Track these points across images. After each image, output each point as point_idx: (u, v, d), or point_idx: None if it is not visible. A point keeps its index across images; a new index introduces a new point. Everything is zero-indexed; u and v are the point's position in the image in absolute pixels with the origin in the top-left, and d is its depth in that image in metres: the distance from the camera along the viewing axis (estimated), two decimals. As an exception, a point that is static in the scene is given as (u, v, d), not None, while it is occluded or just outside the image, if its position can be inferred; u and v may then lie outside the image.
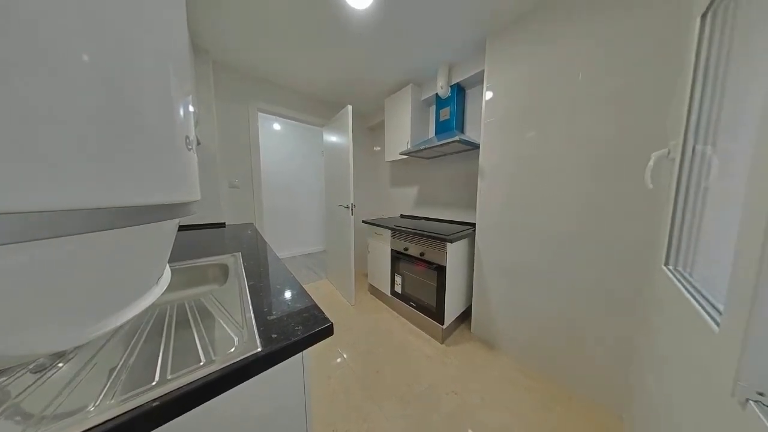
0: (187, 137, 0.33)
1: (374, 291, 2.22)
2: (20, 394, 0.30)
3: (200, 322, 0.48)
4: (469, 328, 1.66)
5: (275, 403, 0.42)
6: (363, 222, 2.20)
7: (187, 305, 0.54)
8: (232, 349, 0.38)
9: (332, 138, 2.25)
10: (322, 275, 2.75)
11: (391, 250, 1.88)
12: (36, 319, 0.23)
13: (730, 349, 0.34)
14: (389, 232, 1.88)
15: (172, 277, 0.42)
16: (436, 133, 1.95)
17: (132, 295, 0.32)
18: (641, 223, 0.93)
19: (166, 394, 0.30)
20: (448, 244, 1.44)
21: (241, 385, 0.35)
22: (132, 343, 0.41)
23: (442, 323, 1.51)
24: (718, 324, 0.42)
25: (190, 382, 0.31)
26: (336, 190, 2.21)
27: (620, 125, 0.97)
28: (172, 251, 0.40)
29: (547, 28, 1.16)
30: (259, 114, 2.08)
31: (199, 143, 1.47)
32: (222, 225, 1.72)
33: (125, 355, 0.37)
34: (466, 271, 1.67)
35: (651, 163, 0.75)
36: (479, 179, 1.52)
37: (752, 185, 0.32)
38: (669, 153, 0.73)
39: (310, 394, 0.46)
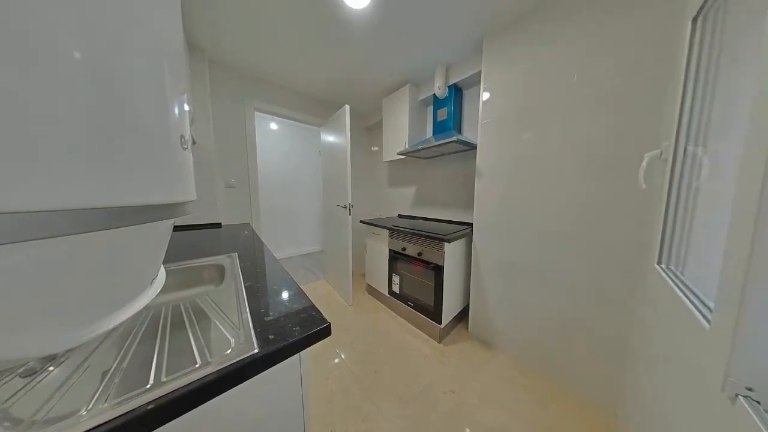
0: (182, 136, 0.32)
1: (372, 291, 2.22)
2: (9, 399, 0.29)
3: (196, 323, 0.47)
4: (467, 328, 1.67)
5: (272, 404, 0.42)
6: (361, 222, 2.20)
7: (182, 307, 0.53)
8: (229, 351, 0.38)
9: (330, 138, 2.24)
10: (320, 275, 2.74)
11: (389, 250, 1.88)
12: (28, 321, 0.22)
13: (720, 346, 0.35)
14: (387, 232, 1.88)
15: (167, 278, 0.42)
16: (433, 134, 1.96)
17: (126, 296, 0.31)
18: (635, 222, 0.95)
19: (160, 396, 0.29)
20: (446, 243, 1.45)
21: (237, 387, 0.35)
22: (126, 345, 0.40)
23: (440, 323, 1.52)
24: (709, 321, 0.43)
25: (186, 385, 0.31)
26: (334, 190, 2.20)
27: (616, 126, 0.98)
28: (167, 252, 0.40)
29: (547, 28, 1.16)
30: (256, 113, 2.07)
31: (194, 142, 1.46)
32: (218, 225, 1.71)
33: (119, 358, 0.36)
34: (463, 271, 1.68)
35: (644, 163, 0.76)
36: (476, 179, 1.53)
37: (741, 186, 0.33)
38: (662, 154, 0.75)
39: (307, 395, 0.46)
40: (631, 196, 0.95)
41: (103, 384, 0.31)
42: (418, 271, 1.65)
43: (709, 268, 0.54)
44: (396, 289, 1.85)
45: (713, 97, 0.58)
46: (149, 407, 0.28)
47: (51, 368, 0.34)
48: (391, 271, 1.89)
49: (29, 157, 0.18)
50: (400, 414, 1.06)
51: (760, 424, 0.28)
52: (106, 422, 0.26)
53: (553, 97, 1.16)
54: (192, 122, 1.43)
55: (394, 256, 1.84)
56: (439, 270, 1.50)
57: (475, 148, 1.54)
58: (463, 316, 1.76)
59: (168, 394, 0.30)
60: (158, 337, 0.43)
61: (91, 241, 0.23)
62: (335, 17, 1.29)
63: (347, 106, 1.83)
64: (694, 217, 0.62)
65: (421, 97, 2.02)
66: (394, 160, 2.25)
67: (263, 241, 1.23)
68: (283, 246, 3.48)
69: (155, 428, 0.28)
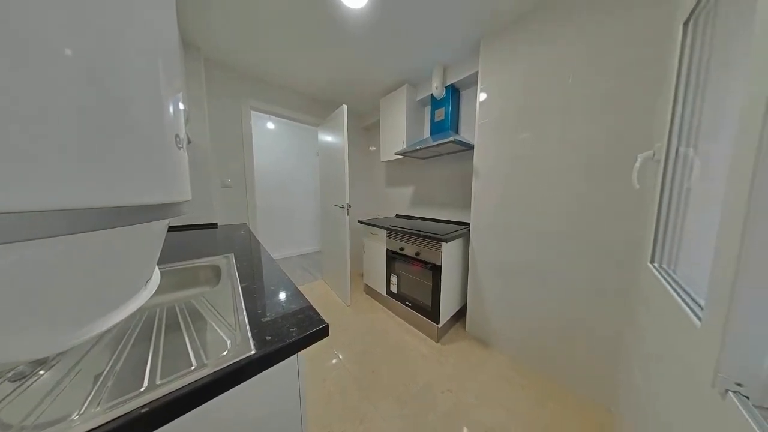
0: (176, 135, 0.32)
1: (370, 291, 2.21)
2: (-2, 403, 0.28)
3: (191, 325, 0.47)
4: (464, 327, 1.68)
5: (270, 406, 0.41)
6: (359, 222, 2.20)
7: (177, 308, 0.52)
8: (225, 352, 0.37)
9: (327, 138, 2.23)
10: (318, 276, 2.72)
11: (387, 250, 1.88)
12: (19, 324, 0.22)
13: (710, 343, 0.35)
14: (385, 232, 1.88)
15: (161, 279, 0.41)
16: (431, 134, 1.96)
17: (119, 298, 0.31)
18: (630, 222, 0.96)
19: (155, 400, 0.29)
20: (444, 243, 1.45)
21: (234, 388, 0.35)
22: (119, 348, 0.39)
23: (438, 322, 1.53)
24: (700, 319, 0.44)
25: (181, 387, 0.30)
26: (331, 190, 2.20)
27: (615, 126, 0.99)
28: (162, 253, 0.39)
29: (547, 28, 1.16)
30: (253, 112, 2.05)
31: (189, 142, 1.44)
32: (214, 225, 1.69)
33: (112, 361, 0.36)
34: (460, 271, 1.68)
35: (637, 164, 0.78)
36: (474, 179, 1.54)
37: (731, 187, 0.34)
38: (654, 154, 0.76)
39: (305, 396, 0.46)
40: (626, 196, 0.96)
41: (96, 387, 0.31)
42: (416, 271, 1.66)
43: (699, 267, 0.55)
44: (394, 289, 1.85)
45: (704, 99, 0.59)
46: (143, 411, 0.27)
47: (41, 372, 0.33)
48: (389, 271, 1.89)
49: (25, 157, 0.18)
50: (398, 414, 1.06)
51: (748, 418, 0.29)
52: (98, 426, 0.25)
53: (551, 97, 1.17)
54: (187, 121, 1.41)
55: (392, 256, 1.84)
56: (436, 270, 1.51)
57: (473, 148, 1.55)
58: (460, 315, 1.76)
59: (163, 397, 0.29)
60: (153, 339, 0.42)
61: (87, 241, 0.22)
62: (332, 17, 1.29)
63: (345, 106, 1.82)
64: (685, 216, 0.64)
65: (418, 98, 2.03)
66: (391, 160, 2.25)
67: (260, 241, 1.22)
68: (280, 246, 3.45)
69: (150, 432, 0.28)
